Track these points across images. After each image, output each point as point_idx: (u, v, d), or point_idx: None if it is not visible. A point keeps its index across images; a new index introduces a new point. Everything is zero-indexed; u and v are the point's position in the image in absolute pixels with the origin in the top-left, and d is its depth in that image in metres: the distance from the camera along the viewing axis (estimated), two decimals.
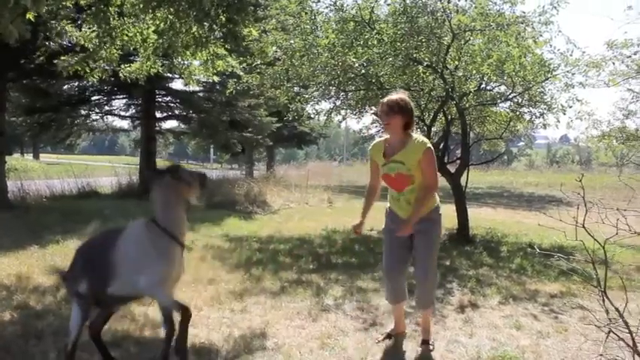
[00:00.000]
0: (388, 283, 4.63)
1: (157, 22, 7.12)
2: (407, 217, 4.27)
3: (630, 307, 3.15)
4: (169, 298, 3.56)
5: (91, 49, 7.38)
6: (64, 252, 7.77)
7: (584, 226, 2.80)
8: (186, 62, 8.52)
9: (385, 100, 4.30)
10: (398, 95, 4.27)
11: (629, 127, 13.05)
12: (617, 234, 2.85)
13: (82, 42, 7.36)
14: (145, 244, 3.60)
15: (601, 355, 3.29)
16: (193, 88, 8.66)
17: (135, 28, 7.32)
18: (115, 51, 7.54)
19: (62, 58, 7.69)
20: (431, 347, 4.52)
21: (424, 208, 4.26)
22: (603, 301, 2.91)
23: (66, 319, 4.83)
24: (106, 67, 7.77)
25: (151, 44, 7.63)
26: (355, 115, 12.44)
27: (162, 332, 4.53)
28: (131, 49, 8.03)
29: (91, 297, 3.60)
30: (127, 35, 7.33)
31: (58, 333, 4.50)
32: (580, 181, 2.81)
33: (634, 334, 2.87)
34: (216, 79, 8.65)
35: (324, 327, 4.93)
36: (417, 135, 4.42)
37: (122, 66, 8.50)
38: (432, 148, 4.28)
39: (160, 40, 7.42)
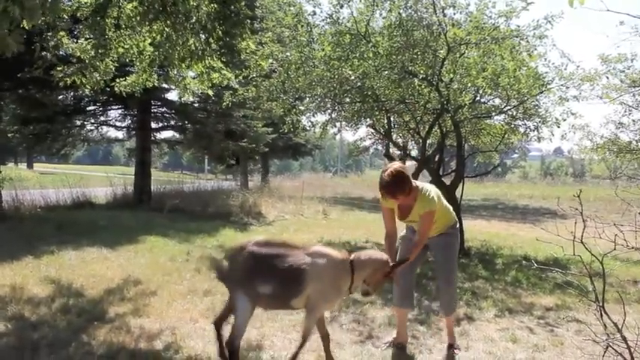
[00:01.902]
0: (396, 286, 4.79)
1: (154, 35, 7.13)
2: (412, 248, 4.53)
3: (627, 320, 3.16)
4: None
5: (87, 61, 7.37)
6: (58, 262, 7.76)
7: (582, 242, 2.82)
8: (181, 75, 8.51)
9: (382, 184, 4.35)
10: (387, 173, 4.31)
11: (621, 140, 13.13)
12: (614, 249, 2.87)
13: (78, 54, 7.36)
14: None
15: None
16: (188, 99, 8.65)
17: (131, 40, 7.32)
18: (110, 63, 7.54)
19: (58, 69, 7.67)
20: (457, 350, 4.75)
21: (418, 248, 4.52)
22: (601, 315, 2.91)
23: (61, 331, 4.83)
24: (99, 79, 7.74)
25: (147, 56, 7.64)
26: (351, 127, 12.48)
27: (159, 346, 4.54)
28: (127, 60, 8.02)
29: None
30: (122, 47, 7.33)
31: (53, 344, 4.48)
32: (578, 196, 2.83)
33: (632, 350, 2.88)
34: (210, 93, 8.64)
35: (320, 340, 4.92)
36: (423, 186, 4.54)
37: (117, 80, 8.50)
38: (432, 211, 4.42)
39: (156, 53, 7.42)
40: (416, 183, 4.50)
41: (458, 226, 4.83)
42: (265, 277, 3.91)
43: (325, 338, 4.23)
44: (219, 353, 4.11)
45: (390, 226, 4.69)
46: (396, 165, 4.44)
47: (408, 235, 4.85)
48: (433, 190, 4.52)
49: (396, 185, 4.29)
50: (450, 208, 4.78)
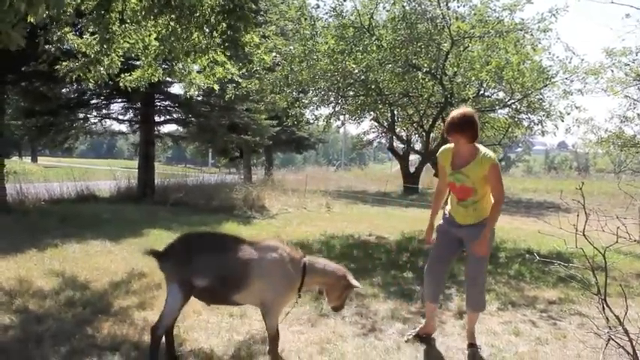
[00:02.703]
0: (428, 279, 4.82)
1: (159, 29, 7.13)
2: (483, 233, 4.44)
3: (629, 313, 3.16)
4: None
5: (92, 56, 7.37)
6: (62, 255, 7.78)
7: (584, 234, 2.82)
8: (187, 69, 8.50)
9: (449, 118, 4.46)
10: (459, 112, 4.39)
11: (626, 133, 13.11)
12: (617, 242, 2.87)
13: (83, 49, 7.36)
14: None
15: None
16: (194, 94, 8.63)
17: (136, 35, 7.32)
18: (116, 58, 7.53)
19: (64, 63, 7.68)
20: (479, 349, 4.66)
21: (496, 220, 4.53)
22: (603, 308, 2.92)
23: (65, 323, 4.85)
24: (104, 74, 7.73)
25: (152, 51, 7.64)
26: (354, 120, 12.48)
27: (162, 338, 4.56)
28: (132, 55, 8.02)
29: None
30: (128, 42, 7.32)
31: (56, 337, 4.51)
32: (580, 188, 2.82)
33: (634, 342, 2.88)
34: (216, 87, 8.63)
35: (323, 332, 4.94)
36: (484, 149, 4.51)
37: (122, 75, 8.49)
38: (498, 163, 4.44)
39: (162, 47, 7.42)
40: (479, 145, 4.50)
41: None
42: (203, 270, 3.84)
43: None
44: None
45: (442, 183, 4.76)
46: (469, 108, 4.54)
47: (444, 228, 4.77)
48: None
49: (464, 124, 4.32)
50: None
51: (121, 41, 7.26)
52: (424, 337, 4.83)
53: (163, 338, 3.98)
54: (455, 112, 4.41)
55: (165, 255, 3.94)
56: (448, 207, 4.78)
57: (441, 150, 4.71)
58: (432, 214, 4.90)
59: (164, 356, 4.03)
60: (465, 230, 4.57)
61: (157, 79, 8.52)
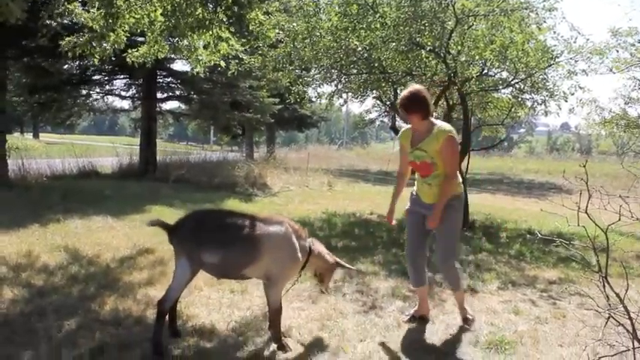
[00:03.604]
0: (408, 265, 4.88)
1: (164, 4, 7.07)
2: (434, 207, 4.45)
3: (629, 293, 3.17)
4: None
5: (98, 31, 7.31)
6: (64, 230, 7.82)
7: (586, 212, 2.81)
8: (193, 46, 8.44)
9: (400, 97, 4.50)
10: (410, 90, 4.43)
11: (630, 115, 13.07)
12: (619, 220, 2.86)
13: (90, 24, 7.30)
14: None
15: (599, 340, 3.32)
16: (201, 71, 8.58)
17: (142, 10, 7.26)
18: (122, 33, 7.47)
19: (68, 39, 7.62)
20: (470, 317, 4.80)
21: (448, 195, 4.44)
22: (604, 286, 2.92)
23: (68, 298, 4.89)
24: (109, 49, 7.68)
25: (158, 26, 7.58)
26: (357, 98, 12.43)
27: None
28: (137, 31, 7.96)
29: None
30: (134, 17, 7.27)
31: (59, 310, 4.54)
32: (584, 166, 2.81)
33: (634, 320, 2.89)
34: (222, 64, 8.57)
35: (323, 309, 4.97)
36: (440, 123, 4.50)
37: (129, 50, 8.44)
38: (454, 135, 4.40)
39: (167, 23, 7.37)
40: (435, 120, 4.51)
41: (463, 198, 4.72)
42: (214, 246, 3.85)
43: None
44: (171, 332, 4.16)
45: (404, 164, 4.76)
46: (419, 85, 4.60)
47: (411, 209, 4.77)
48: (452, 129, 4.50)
49: (412, 101, 4.37)
50: (459, 176, 4.64)
51: (127, 16, 7.20)
52: (422, 318, 4.85)
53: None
54: (404, 92, 4.47)
55: (175, 229, 3.95)
56: (415, 187, 4.79)
57: (401, 131, 4.73)
58: (394, 195, 4.94)
59: (167, 330, 4.06)
60: (430, 209, 4.53)
61: (163, 55, 8.48)
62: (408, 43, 9.12)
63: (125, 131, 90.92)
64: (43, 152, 22.12)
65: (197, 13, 7.10)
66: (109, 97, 18.85)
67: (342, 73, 10.72)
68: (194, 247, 3.84)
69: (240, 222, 3.98)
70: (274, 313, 4.06)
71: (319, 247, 4.38)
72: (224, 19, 7.40)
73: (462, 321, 4.78)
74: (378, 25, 9.11)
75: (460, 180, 4.64)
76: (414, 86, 4.56)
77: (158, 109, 18.56)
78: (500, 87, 10.65)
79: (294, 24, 10.04)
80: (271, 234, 3.98)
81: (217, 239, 3.87)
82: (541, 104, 10.41)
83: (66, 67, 15.70)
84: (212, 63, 8.47)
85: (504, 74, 10.53)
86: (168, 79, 18.17)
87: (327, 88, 11.94)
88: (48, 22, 8.76)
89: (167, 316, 3.99)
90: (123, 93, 18.67)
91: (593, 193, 2.95)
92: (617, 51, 10.14)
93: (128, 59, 8.50)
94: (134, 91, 18.59)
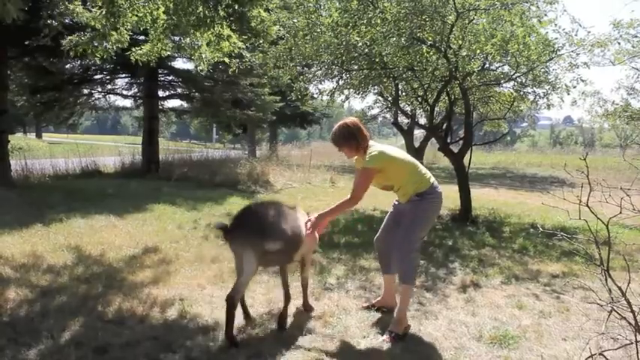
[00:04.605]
0: (376, 253, 5.08)
1: (167, 2, 7.07)
2: (317, 217, 4.54)
3: (632, 286, 3.16)
4: None
5: (100, 30, 7.31)
6: (67, 230, 7.82)
7: (587, 205, 2.80)
8: (196, 43, 8.43)
9: (330, 135, 4.66)
10: (338, 125, 4.57)
11: (633, 106, 13.03)
12: (620, 212, 2.85)
13: (92, 23, 7.30)
14: None
15: (602, 334, 3.31)
16: (203, 68, 8.56)
17: (144, 9, 7.26)
18: (125, 32, 7.47)
19: (69, 38, 7.62)
20: (389, 337, 4.19)
21: (337, 212, 4.72)
22: (606, 280, 2.91)
23: (71, 297, 4.89)
24: (110, 48, 7.68)
25: (160, 24, 7.58)
26: (358, 94, 12.40)
27: (167, 312, 4.61)
28: (140, 29, 7.97)
29: None
30: (136, 16, 7.27)
31: (63, 310, 4.54)
32: (584, 159, 2.80)
33: (636, 314, 2.88)
34: (226, 60, 8.57)
35: (326, 306, 4.96)
36: (371, 150, 4.49)
37: (132, 49, 8.44)
38: (370, 168, 4.43)
39: (169, 21, 7.38)
40: (372, 143, 4.54)
41: (433, 196, 4.50)
42: (275, 234, 4.06)
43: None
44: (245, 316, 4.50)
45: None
46: (351, 119, 4.64)
47: (394, 204, 4.91)
48: (387, 151, 4.47)
49: (340, 136, 4.51)
50: (424, 175, 4.52)
51: (129, 15, 7.20)
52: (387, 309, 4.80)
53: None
54: (335, 127, 4.56)
55: (234, 228, 4.12)
56: None
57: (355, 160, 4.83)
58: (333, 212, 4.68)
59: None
60: (405, 207, 4.59)
61: (166, 54, 8.49)
62: (408, 39, 9.09)
63: (127, 130, 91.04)
64: (45, 152, 22.14)
65: (198, 11, 7.09)
66: (110, 96, 18.83)
67: (343, 69, 10.70)
68: (258, 239, 4.01)
69: (286, 210, 4.30)
70: (307, 287, 4.82)
71: None
72: (225, 17, 7.39)
73: (387, 332, 4.27)
74: (379, 21, 9.08)
75: (429, 175, 4.58)
76: (342, 120, 4.60)
77: (160, 107, 18.57)
78: (502, 81, 10.63)
79: (295, 20, 10.03)
80: (305, 220, 4.45)
81: (277, 228, 4.09)
82: (543, 98, 10.37)
83: (68, 66, 15.72)
84: (215, 60, 8.48)
85: (506, 68, 10.52)
86: (170, 78, 18.16)
87: (329, 85, 11.96)
88: (49, 21, 8.75)
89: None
90: (125, 92, 18.68)
91: (595, 187, 2.94)
92: (619, 43, 10.13)
93: (132, 57, 8.50)
94: (136, 90, 18.59)
